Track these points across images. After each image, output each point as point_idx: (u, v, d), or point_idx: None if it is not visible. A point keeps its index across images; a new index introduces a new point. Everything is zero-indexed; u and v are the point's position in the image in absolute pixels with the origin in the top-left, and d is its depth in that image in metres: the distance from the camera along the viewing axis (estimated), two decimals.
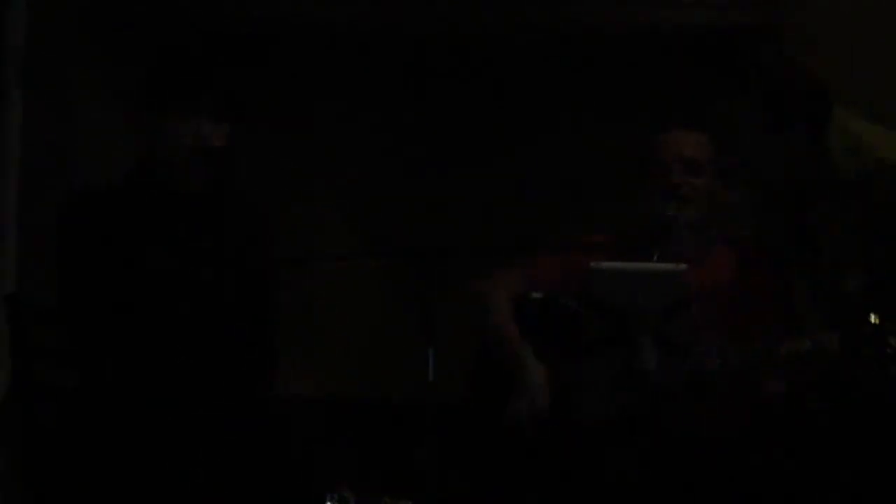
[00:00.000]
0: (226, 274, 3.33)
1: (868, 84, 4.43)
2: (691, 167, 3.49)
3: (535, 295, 3.60)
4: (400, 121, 5.00)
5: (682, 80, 4.73)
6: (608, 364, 3.21)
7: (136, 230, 3.27)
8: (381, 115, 5.00)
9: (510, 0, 4.67)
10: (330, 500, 4.23)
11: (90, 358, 3.21)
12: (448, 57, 4.91)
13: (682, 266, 3.16)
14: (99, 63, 4.70)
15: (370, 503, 4.32)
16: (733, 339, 3.30)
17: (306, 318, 4.89)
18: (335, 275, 4.77)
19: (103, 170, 3.88)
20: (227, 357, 3.30)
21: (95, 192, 3.35)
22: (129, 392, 3.19)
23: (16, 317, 3.36)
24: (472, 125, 4.96)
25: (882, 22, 4.55)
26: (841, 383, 3.18)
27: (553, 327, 3.51)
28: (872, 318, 2.98)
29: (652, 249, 3.37)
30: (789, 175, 3.31)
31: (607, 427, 3.29)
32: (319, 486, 4.21)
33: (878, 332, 2.99)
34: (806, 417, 3.34)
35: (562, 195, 4.88)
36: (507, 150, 4.97)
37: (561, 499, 3.34)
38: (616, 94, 4.85)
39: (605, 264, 3.19)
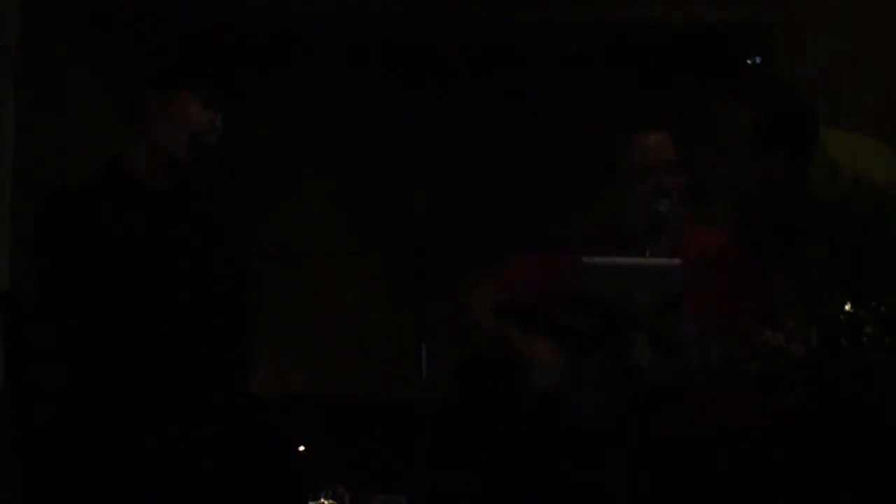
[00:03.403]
0: (208, 269, 3.31)
1: (858, 82, 4.45)
2: (674, 168, 3.53)
3: (518, 300, 3.59)
4: (395, 119, 5.00)
5: (663, 81, 4.76)
6: (600, 361, 3.21)
7: (114, 226, 3.25)
8: (377, 114, 5.00)
9: (507, 1, 4.67)
10: (324, 497, 4.23)
11: (74, 355, 3.21)
12: (444, 56, 4.91)
13: (676, 261, 3.15)
14: (94, 59, 4.69)
15: (364, 499, 4.33)
16: (715, 329, 3.31)
17: (300, 314, 4.89)
18: (329, 272, 4.77)
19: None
20: (211, 352, 3.28)
21: (73, 189, 3.33)
22: (119, 389, 3.18)
23: (10, 315, 3.35)
24: (467, 124, 4.97)
25: (873, 20, 4.55)
26: (820, 374, 3.18)
27: (538, 331, 3.51)
28: (848, 307, 2.98)
29: (644, 245, 3.38)
30: (770, 195, 3.30)
31: (600, 424, 3.28)
32: (314, 482, 4.22)
33: (854, 321, 2.99)
34: (791, 411, 3.34)
35: (554, 194, 4.88)
36: (502, 148, 4.98)
37: (554, 496, 3.33)
38: (609, 93, 4.85)
39: (598, 259, 3.17)
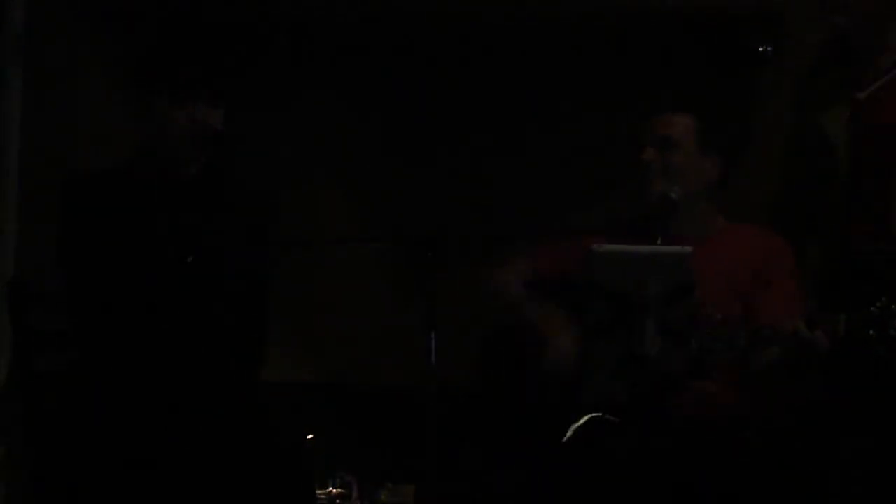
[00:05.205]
0: (223, 259, 3.32)
1: None
2: (671, 149, 3.52)
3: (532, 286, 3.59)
4: (403, 106, 5.00)
5: (672, 64, 4.74)
6: (610, 349, 3.20)
7: (134, 214, 3.27)
8: (385, 101, 5.00)
9: None
10: (332, 485, 4.24)
11: (90, 341, 3.22)
12: (450, 42, 4.90)
13: (687, 249, 3.14)
14: (99, 48, 4.70)
15: (372, 487, 4.34)
16: (734, 319, 3.30)
17: (309, 302, 4.90)
18: (338, 260, 4.77)
19: (103, 155, 3.87)
20: (224, 342, 3.29)
21: (96, 175, 3.36)
22: (129, 377, 3.20)
23: (17, 302, 3.37)
24: (476, 111, 4.96)
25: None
26: (844, 365, 3.18)
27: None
28: (879, 301, 2.99)
29: (656, 232, 3.37)
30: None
31: (609, 412, 3.28)
32: (322, 470, 4.23)
33: (883, 315, 3.00)
34: (806, 401, 3.34)
35: (566, 181, 4.87)
36: (512, 134, 4.97)
37: (562, 483, 3.33)
38: (617, 80, 4.84)
39: (608, 247, 3.18)
